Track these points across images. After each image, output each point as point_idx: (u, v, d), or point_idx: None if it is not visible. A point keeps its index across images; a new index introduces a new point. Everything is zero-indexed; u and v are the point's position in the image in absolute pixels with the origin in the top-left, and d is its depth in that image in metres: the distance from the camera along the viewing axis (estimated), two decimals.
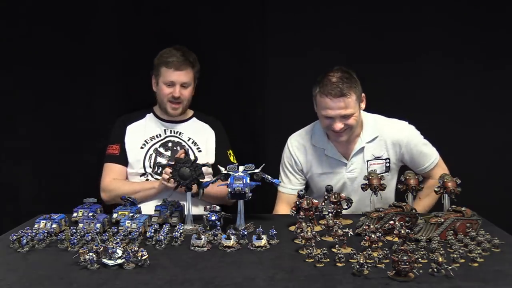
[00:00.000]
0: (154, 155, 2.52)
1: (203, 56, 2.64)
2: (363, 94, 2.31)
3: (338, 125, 2.23)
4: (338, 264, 1.58)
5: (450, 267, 1.47)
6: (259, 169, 2.04)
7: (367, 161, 2.37)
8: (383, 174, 2.27)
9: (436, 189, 1.94)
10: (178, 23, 2.85)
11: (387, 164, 2.38)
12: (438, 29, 2.81)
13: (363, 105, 2.34)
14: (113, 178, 2.49)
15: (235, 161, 2.58)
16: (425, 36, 2.82)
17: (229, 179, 1.99)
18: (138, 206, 2.23)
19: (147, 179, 2.50)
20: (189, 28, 2.86)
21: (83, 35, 2.86)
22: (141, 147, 2.53)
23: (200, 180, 2.08)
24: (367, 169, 2.35)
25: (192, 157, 2.42)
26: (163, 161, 2.50)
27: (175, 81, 2.47)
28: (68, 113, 2.91)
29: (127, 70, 2.84)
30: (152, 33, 2.84)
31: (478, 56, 2.81)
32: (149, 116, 2.62)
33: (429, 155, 2.39)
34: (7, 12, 2.84)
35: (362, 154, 2.38)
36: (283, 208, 2.46)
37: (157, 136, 2.56)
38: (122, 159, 2.51)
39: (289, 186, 2.49)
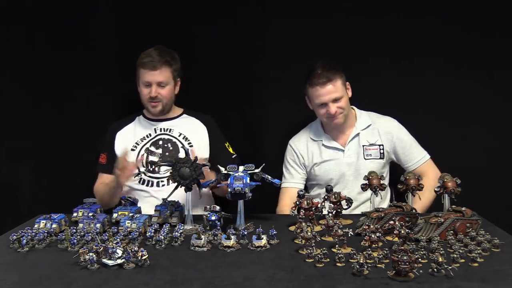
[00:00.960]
0: (145, 154, 2.53)
1: (203, 56, 2.65)
2: (347, 82, 2.54)
3: (333, 108, 2.46)
4: (338, 264, 1.58)
5: (450, 267, 1.47)
6: (259, 169, 2.04)
7: (363, 145, 2.54)
8: (378, 160, 2.53)
9: (436, 189, 1.94)
10: (178, 23, 2.85)
11: (381, 151, 2.54)
12: (436, 31, 2.80)
13: (350, 93, 2.56)
14: (99, 183, 2.55)
15: (234, 153, 2.59)
16: (426, 34, 2.81)
17: (229, 179, 1.99)
18: (138, 206, 2.23)
19: (141, 179, 2.52)
20: (188, 28, 2.86)
21: (83, 35, 2.86)
22: (132, 149, 2.54)
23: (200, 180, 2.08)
24: (363, 153, 2.53)
25: (182, 153, 2.44)
26: (155, 159, 2.51)
27: (151, 81, 2.50)
28: (68, 113, 2.90)
29: (127, 70, 2.82)
30: (152, 34, 2.83)
31: (479, 56, 2.80)
32: (139, 119, 2.66)
33: (419, 150, 2.57)
34: (7, 13, 2.83)
35: (357, 139, 2.57)
36: (286, 202, 2.53)
37: (147, 136, 2.58)
38: (109, 168, 2.50)
39: (291, 180, 2.63)
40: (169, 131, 2.60)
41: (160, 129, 2.60)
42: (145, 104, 2.58)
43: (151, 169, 2.51)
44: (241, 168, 2.03)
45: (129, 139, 2.58)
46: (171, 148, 2.55)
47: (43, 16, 2.84)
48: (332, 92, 2.44)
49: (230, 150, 2.64)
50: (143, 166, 2.52)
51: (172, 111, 2.66)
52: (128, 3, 2.87)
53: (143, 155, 2.53)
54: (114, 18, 2.87)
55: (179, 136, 2.58)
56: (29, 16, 2.84)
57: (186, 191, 2.04)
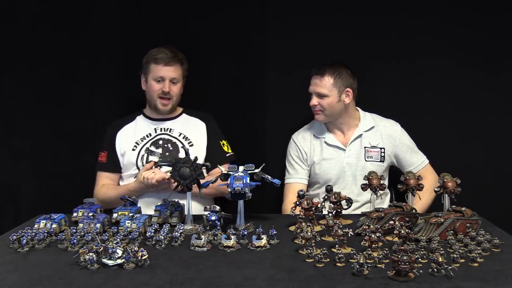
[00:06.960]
0: (146, 155, 2.53)
1: (203, 56, 2.65)
2: (348, 89, 2.52)
3: (312, 101, 2.52)
4: (338, 264, 1.58)
5: (450, 267, 1.47)
6: (259, 169, 2.04)
7: (365, 147, 2.55)
8: (378, 162, 2.54)
9: (436, 189, 1.94)
10: (178, 24, 2.85)
11: (382, 154, 2.55)
12: (437, 31, 2.80)
13: (346, 100, 2.53)
14: (101, 185, 2.54)
15: (230, 151, 2.61)
16: (426, 34, 2.81)
17: (229, 179, 1.99)
18: (138, 206, 2.23)
19: None
20: (189, 28, 2.86)
21: (83, 35, 2.86)
22: (133, 149, 2.54)
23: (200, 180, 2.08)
24: (364, 154, 2.54)
25: (182, 153, 2.43)
26: (155, 159, 2.51)
27: (165, 76, 2.51)
28: (68, 113, 2.91)
29: (127, 70, 2.83)
30: (152, 34, 2.83)
31: (479, 57, 2.80)
32: (139, 118, 2.65)
33: (419, 155, 2.60)
34: (7, 11, 2.83)
35: (360, 140, 2.57)
36: (292, 198, 2.50)
37: (147, 136, 2.58)
38: (110, 167, 2.55)
39: (296, 176, 2.63)
40: (169, 131, 2.59)
41: (161, 129, 2.60)
42: (153, 101, 2.56)
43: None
44: (241, 168, 2.03)
45: (130, 138, 2.58)
46: (171, 148, 2.55)
47: (43, 15, 2.84)
48: (317, 86, 2.50)
49: (225, 148, 2.62)
50: (143, 166, 2.51)
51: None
52: (129, 4, 2.87)
53: (143, 155, 2.53)
54: (114, 19, 2.86)
55: (179, 136, 2.58)
56: (29, 15, 2.84)
57: (186, 191, 2.04)
